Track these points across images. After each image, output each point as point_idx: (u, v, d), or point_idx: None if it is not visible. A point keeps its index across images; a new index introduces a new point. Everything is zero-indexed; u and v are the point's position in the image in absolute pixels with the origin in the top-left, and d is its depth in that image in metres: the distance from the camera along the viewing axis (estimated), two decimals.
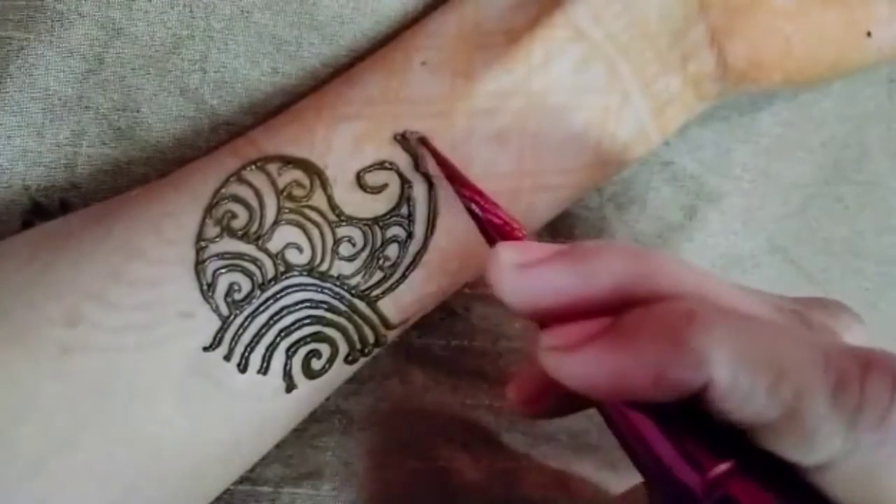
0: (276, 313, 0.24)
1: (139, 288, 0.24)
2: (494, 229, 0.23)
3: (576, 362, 0.18)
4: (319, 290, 0.25)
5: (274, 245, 0.24)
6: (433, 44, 0.26)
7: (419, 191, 0.25)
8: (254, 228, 0.24)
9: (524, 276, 0.20)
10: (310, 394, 0.25)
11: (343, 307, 0.25)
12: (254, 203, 0.25)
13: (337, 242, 0.25)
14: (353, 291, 0.25)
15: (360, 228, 0.25)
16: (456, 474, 0.30)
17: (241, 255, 0.24)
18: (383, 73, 0.26)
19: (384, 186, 0.25)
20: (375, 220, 0.25)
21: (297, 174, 0.25)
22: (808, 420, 0.17)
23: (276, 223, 0.25)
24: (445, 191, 0.25)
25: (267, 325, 0.24)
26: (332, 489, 0.29)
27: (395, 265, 0.25)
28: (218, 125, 0.28)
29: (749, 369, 0.17)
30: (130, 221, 0.25)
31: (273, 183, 0.25)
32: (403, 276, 0.25)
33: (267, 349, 0.24)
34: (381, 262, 0.25)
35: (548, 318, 0.20)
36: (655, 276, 0.19)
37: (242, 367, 0.24)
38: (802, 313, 0.21)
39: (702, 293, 0.19)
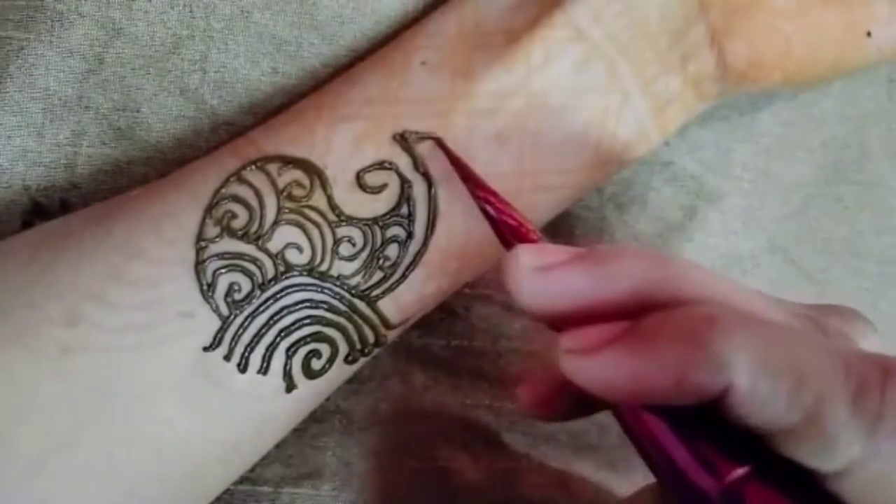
0: (276, 313, 0.24)
1: (139, 288, 0.24)
2: (509, 231, 0.23)
3: (595, 365, 0.18)
4: (319, 290, 0.25)
5: (274, 245, 0.24)
6: (433, 44, 0.26)
7: (419, 191, 0.25)
8: (254, 228, 0.24)
9: (543, 278, 0.19)
10: (310, 394, 0.25)
11: (343, 307, 0.25)
12: (254, 203, 0.25)
13: (337, 242, 0.25)
14: (353, 291, 0.25)
15: (359, 228, 0.25)
16: (456, 474, 0.30)
17: (241, 255, 0.24)
18: (383, 73, 0.26)
19: (384, 186, 0.25)
20: (375, 220, 0.25)
21: (297, 174, 0.25)
22: (829, 426, 0.17)
23: (276, 223, 0.25)
24: (447, 191, 0.25)
25: (267, 325, 0.24)
26: (332, 489, 0.29)
27: (395, 265, 0.25)
28: (218, 125, 0.28)
29: (770, 374, 0.17)
30: (130, 221, 0.25)
31: (273, 183, 0.25)
32: (403, 276, 0.25)
33: (267, 349, 0.24)
34: (381, 262, 0.25)
35: (564, 322, 0.20)
36: (675, 281, 0.19)
37: (242, 367, 0.24)
38: (818, 320, 0.21)
39: (721, 298, 0.19)
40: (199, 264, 0.24)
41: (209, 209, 0.24)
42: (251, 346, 0.24)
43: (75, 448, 0.23)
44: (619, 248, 0.20)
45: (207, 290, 0.24)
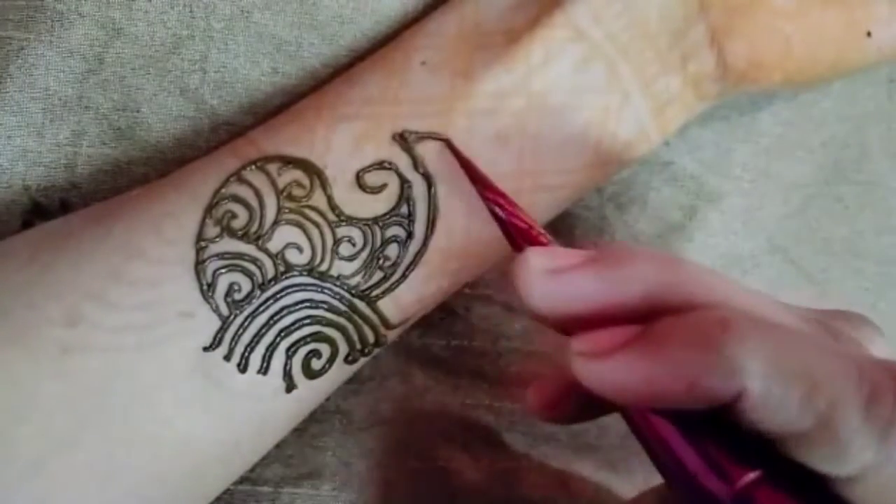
0: (276, 313, 0.24)
1: (139, 288, 0.24)
2: (518, 233, 0.23)
3: (608, 369, 0.18)
4: (319, 290, 0.25)
5: (274, 245, 0.24)
6: (433, 44, 0.26)
7: (419, 191, 0.25)
8: (254, 228, 0.24)
9: (554, 281, 0.20)
10: (310, 394, 0.25)
11: (343, 307, 0.25)
12: (254, 203, 0.25)
13: (337, 242, 0.25)
14: (353, 291, 0.25)
15: (359, 228, 0.25)
16: (456, 474, 0.30)
17: (241, 255, 0.24)
18: (383, 73, 0.26)
19: (384, 186, 0.25)
20: (375, 219, 0.25)
21: (297, 174, 0.25)
22: (842, 432, 0.17)
23: (276, 223, 0.25)
24: (446, 191, 0.25)
25: (267, 325, 0.24)
26: (332, 489, 0.29)
27: (395, 265, 0.25)
28: (218, 125, 0.28)
29: (783, 379, 0.17)
30: (130, 221, 0.25)
31: (273, 183, 0.25)
32: (403, 276, 0.25)
33: (267, 349, 0.24)
34: (381, 261, 0.25)
35: (574, 324, 0.20)
36: (687, 285, 0.19)
37: (242, 367, 0.24)
38: (827, 324, 0.21)
39: (733, 302, 0.19)
40: (199, 264, 0.24)
41: (209, 209, 0.24)
42: (251, 346, 0.24)
43: (75, 448, 0.23)
44: (631, 252, 0.20)
45: (207, 290, 0.24)
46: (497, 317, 0.32)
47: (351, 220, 0.25)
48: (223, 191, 0.25)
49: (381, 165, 0.25)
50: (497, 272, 0.31)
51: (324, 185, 0.25)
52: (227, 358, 0.24)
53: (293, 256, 0.24)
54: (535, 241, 0.22)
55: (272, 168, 0.25)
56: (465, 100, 0.25)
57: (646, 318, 0.19)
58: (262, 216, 0.25)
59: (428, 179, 0.25)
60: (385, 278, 0.25)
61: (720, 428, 0.18)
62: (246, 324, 0.24)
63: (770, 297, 0.21)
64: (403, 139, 0.25)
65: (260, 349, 0.24)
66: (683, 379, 0.17)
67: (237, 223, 0.24)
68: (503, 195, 0.24)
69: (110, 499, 0.23)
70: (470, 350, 0.31)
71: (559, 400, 0.22)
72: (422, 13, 0.28)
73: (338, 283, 0.25)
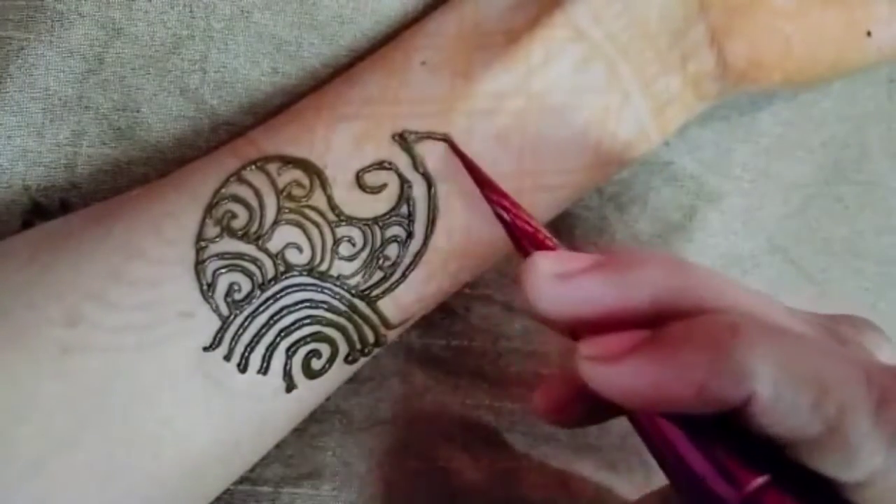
0: (276, 313, 0.24)
1: (139, 288, 0.24)
2: (524, 235, 0.23)
3: (618, 373, 0.18)
4: (319, 289, 0.25)
5: (274, 245, 0.24)
6: (433, 44, 0.26)
7: (419, 191, 0.25)
8: (254, 228, 0.24)
9: (562, 286, 0.20)
10: (310, 394, 0.25)
11: (343, 307, 0.25)
12: (254, 203, 0.25)
13: (337, 242, 0.25)
14: (352, 291, 0.25)
15: (359, 228, 0.25)
16: (456, 474, 0.30)
17: (241, 255, 0.24)
18: (383, 73, 0.26)
19: (384, 186, 0.25)
20: (375, 219, 0.25)
21: (297, 174, 0.25)
22: (851, 437, 0.17)
23: (275, 223, 0.25)
24: (446, 191, 0.25)
25: (267, 325, 0.24)
26: (332, 489, 0.29)
27: (394, 265, 0.25)
28: (218, 125, 0.28)
29: (793, 384, 0.17)
30: (130, 221, 0.25)
31: (273, 183, 0.25)
32: (403, 276, 0.25)
33: (267, 349, 0.24)
34: (380, 261, 0.25)
35: (581, 328, 0.20)
36: (696, 289, 0.19)
37: (242, 367, 0.24)
38: (834, 329, 0.21)
39: (742, 307, 0.19)
40: (199, 264, 0.24)
41: (209, 209, 0.24)
42: (251, 346, 0.24)
43: (75, 448, 0.23)
44: (639, 256, 0.20)
45: (207, 290, 0.24)
46: (497, 317, 0.32)
47: (351, 220, 0.25)
48: (223, 191, 0.25)
49: (380, 165, 0.25)
50: (497, 272, 0.31)
51: (324, 184, 0.25)
52: (227, 358, 0.24)
53: (293, 256, 0.24)
54: (540, 244, 0.22)
55: (272, 168, 0.25)
56: (464, 100, 0.25)
57: (654, 322, 0.19)
58: (262, 216, 0.25)
59: (428, 179, 0.25)
60: (385, 278, 0.25)
61: (728, 432, 0.18)
62: (246, 324, 0.24)
63: (777, 301, 0.21)
64: (403, 139, 0.25)
65: (260, 349, 0.24)
66: (693, 383, 0.17)
67: (237, 223, 0.24)
68: (508, 198, 0.24)
69: (110, 499, 0.23)
70: (470, 350, 0.31)
71: (566, 403, 0.22)
72: (422, 13, 0.28)
73: (338, 283, 0.25)
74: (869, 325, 0.22)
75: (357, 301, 0.25)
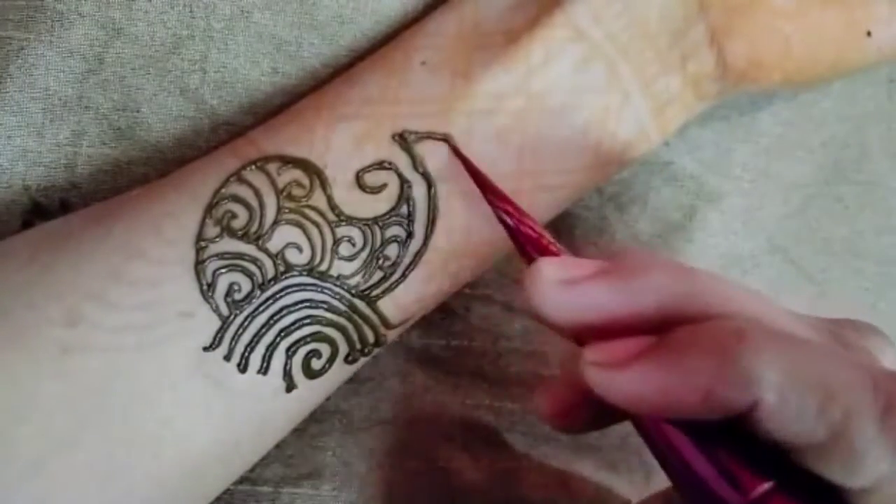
0: (276, 313, 0.24)
1: (139, 288, 0.24)
2: (528, 241, 0.23)
3: (624, 379, 0.18)
4: (319, 289, 0.25)
5: (274, 245, 0.24)
6: (433, 44, 0.26)
7: (419, 191, 0.25)
8: (254, 228, 0.24)
9: (567, 292, 0.20)
10: (310, 394, 0.25)
11: (343, 307, 0.25)
12: (254, 203, 0.25)
13: (337, 242, 0.25)
14: (352, 291, 0.25)
15: (359, 228, 0.25)
16: (456, 475, 0.30)
17: (241, 255, 0.24)
18: (383, 73, 0.26)
19: (383, 186, 0.25)
20: (375, 219, 0.25)
21: (297, 174, 0.25)
22: (857, 443, 0.17)
23: (275, 223, 0.25)
24: (446, 191, 0.25)
25: (267, 325, 0.24)
26: (332, 489, 0.29)
27: (394, 265, 0.25)
28: (218, 125, 0.28)
29: (799, 390, 0.17)
30: (130, 221, 0.25)
31: (273, 183, 0.25)
32: (403, 276, 0.25)
33: (267, 349, 0.24)
34: (380, 261, 0.25)
35: (586, 334, 0.20)
36: (702, 295, 0.19)
37: (242, 367, 0.24)
38: (838, 334, 0.21)
39: (747, 312, 0.19)
40: (199, 264, 0.24)
41: (209, 209, 0.24)
42: (251, 346, 0.24)
43: (75, 448, 0.23)
44: (644, 261, 0.20)
45: (207, 290, 0.24)
46: (497, 317, 0.32)
47: (351, 220, 0.25)
48: (223, 191, 0.25)
49: (380, 165, 0.25)
50: (497, 272, 0.31)
51: (323, 184, 0.25)
52: (227, 358, 0.24)
53: (293, 256, 0.24)
54: (544, 249, 0.22)
55: (272, 168, 0.25)
56: (464, 100, 0.25)
57: (659, 327, 0.19)
58: (261, 216, 0.25)
59: (428, 179, 0.25)
60: (385, 278, 0.25)
61: (734, 437, 0.18)
62: (246, 324, 0.24)
63: (783, 306, 0.21)
64: (403, 139, 0.25)
65: (260, 349, 0.24)
66: (699, 390, 0.18)
67: (237, 223, 0.24)
68: (511, 203, 0.24)
69: (110, 499, 0.23)
70: (470, 350, 0.31)
71: (571, 408, 0.22)
72: (422, 13, 0.28)
73: (338, 283, 0.25)
74: (873, 329, 0.22)
75: (357, 301, 0.25)
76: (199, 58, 0.28)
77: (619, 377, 0.18)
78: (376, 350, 0.26)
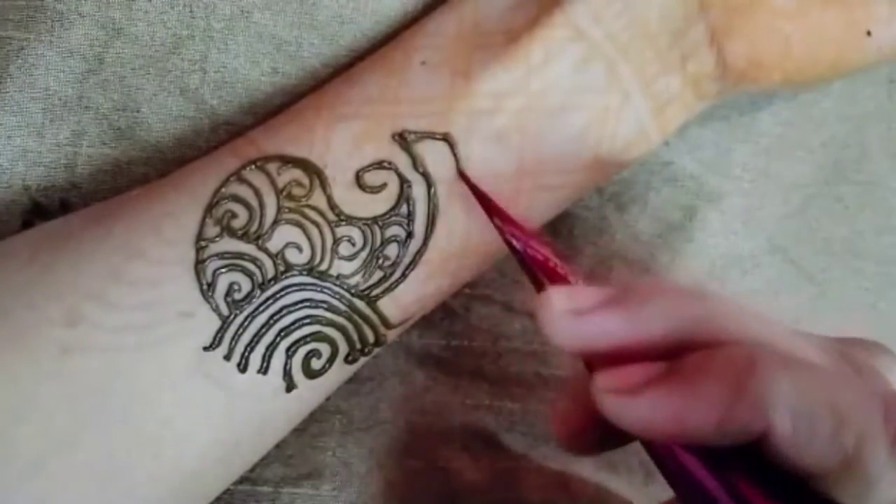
0: (276, 313, 0.24)
1: (139, 288, 0.24)
2: (536, 265, 0.23)
3: (637, 406, 0.18)
4: (319, 289, 0.25)
5: (274, 244, 0.24)
6: (432, 43, 0.26)
7: (419, 190, 0.25)
8: (254, 228, 0.24)
9: (577, 322, 0.20)
10: (310, 393, 0.25)
11: (343, 307, 0.25)
12: (254, 203, 0.25)
13: (336, 242, 0.25)
14: (352, 291, 0.25)
15: (359, 228, 0.25)
16: (456, 475, 0.30)
17: (241, 255, 0.24)
18: (383, 73, 0.26)
19: (383, 186, 0.25)
20: (375, 219, 0.25)
21: (297, 173, 0.25)
22: (870, 468, 0.17)
23: (275, 223, 0.25)
24: (446, 191, 0.25)
25: (267, 325, 0.24)
26: (332, 489, 0.29)
27: (394, 265, 0.25)
28: (218, 125, 0.28)
29: (811, 416, 0.17)
30: (130, 221, 0.25)
31: (273, 182, 0.25)
32: (403, 276, 0.25)
33: (267, 349, 0.24)
34: (380, 261, 0.25)
35: (597, 360, 0.20)
36: (712, 320, 0.19)
37: (242, 367, 0.24)
38: (847, 354, 0.21)
39: (757, 336, 0.19)
40: (199, 264, 0.24)
41: (209, 209, 0.24)
42: (251, 346, 0.24)
43: (75, 448, 0.23)
44: (652, 289, 0.20)
45: (207, 290, 0.24)
46: (497, 317, 0.32)
47: (350, 220, 0.25)
48: (223, 190, 0.25)
49: (380, 165, 0.25)
50: (497, 272, 0.31)
51: (323, 184, 0.25)
52: (227, 358, 0.24)
53: (293, 256, 0.24)
54: (552, 272, 0.22)
55: (272, 168, 0.25)
56: (464, 99, 0.25)
57: (669, 352, 0.19)
58: (261, 216, 0.25)
59: (428, 179, 0.25)
60: (385, 278, 0.25)
61: (746, 462, 0.18)
62: (246, 323, 0.24)
63: (790, 328, 0.21)
64: (403, 139, 0.25)
65: (260, 349, 0.24)
66: (712, 416, 0.18)
67: (237, 223, 0.24)
68: (521, 227, 0.24)
69: (110, 499, 0.23)
70: (470, 350, 0.31)
71: (582, 431, 0.22)
72: (422, 13, 0.28)
73: (337, 283, 0.25)
74: (881, 348, 0.22)
75: (357, 301, 0.25)
76: (199, 58, 0.28)
77: (632, 404, 0.19)
78: (376, 350, 0.26)
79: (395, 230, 0.25)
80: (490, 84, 0.25)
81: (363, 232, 0.25)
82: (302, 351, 0.25)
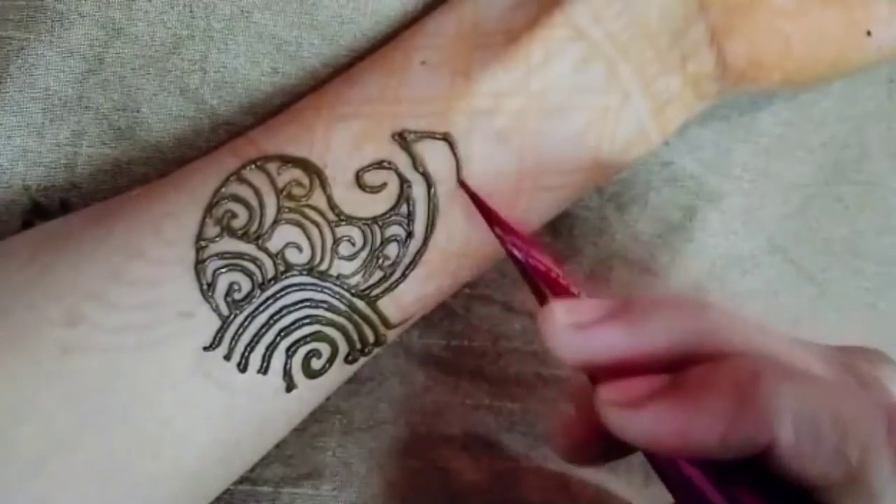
0: (276, 313, 0.24)
1: (139, 288, 0.24)
2: (538, 275, 0.23)
3: (641, 419, 0.19)
4: (319, 289, 0.25)
5: (274, 244, 0.24)
6: (432, 43, 0.26)
7: (419, 190, 0.25)
8: (254, 228, 0.24)
9: (580, 336, 0.20)
10: (310, 393, 0.25)
11: (343, 307, 0.25)
12: (254, 202, 0.25)
13: (336, 242, 0.25)
14: (352, 291, 0.25)
15: (359, 228, 0.25)
16: (456, 475, 0.30)
17: (240, 255, 0.24)
18: (383, 73, 0.26)
19: (383, 186, 0.25)
20: (375, 219, 0.25)
21: (297, 173, 0.25)
22: (874, 480, 0.17)
23: (275, 222, 0.25)
24: (446, 190, 0.25)
25: (267, 325, 0.24)
26: (332, 489, 0.29)
27: (394, 264, 0.25)
28: (218, 125, 0.28)
29: (814, 430, 0.17)
30: (130, 221, 0.25)
31: (273, 182, 0.25)
32: (403, 276, 0.25)
33: (267, 349, 0.24)
34: (380, 261, 0.25)
35: (601, 372, 0.20)
36: (715, 333, 0.20)
37: (242, 367, 0.24)
38: (848, 363, 0.21)
39: (760, 349, 0.19)
40: (199, 264, 0.24)
41: (209, 209, 0.24)
42: (251, 346, 0.24)
43: (75, 448, 0.23)
44: (655, 303, 0.20)
45: (207, 290, 0.24)
46: (497, 317, 0.32)
47: (350, 220, 0.25)
48: (223, 190, 0.25)
49: (380, 165, 0.25)
50: (497, 272, 0.31)
51: (323, 184, 0.25)
52: (227, 358, 0.24)
53: (293, 256, 0.24)
54: (553, 283, 0.22)
55: (272, 167, 0.25)
56: (464, 99, 0.25)
57: (673, 364, 0.19)
58: (261, 216, 0.25)
59: (428, 179, 0.25)
60: (385, 278, 0.25)
61: (750, 475, 0.18)
62: (246, 323, 0.24)
63: (792, 337, 0.21)
64: (403, 139, 0.25)
65: (260, 349, 0.24)
66: (716, 430, 0.18)
67: (237, 223, 0.24)
68: (522, 237, 0.24)
69: (110, 499, 0.23)
70: (470, 350, 0.31)
71: (585, 444, 0.22)
72: (422, 13, 0.28)
73: (337, 283, 0.25)
74: (884, 358, 0.22)
75: (357, 301, 0.25)
76: (199, 58, 0.28)
77: (636, 417, 0.19)
78: (376, 350, 0.26)
79: (395, 230, 0.25)
80: (490, 84, 0.25)
81: (363, 232, 0.25)
82: (302, 351, 0.25)
